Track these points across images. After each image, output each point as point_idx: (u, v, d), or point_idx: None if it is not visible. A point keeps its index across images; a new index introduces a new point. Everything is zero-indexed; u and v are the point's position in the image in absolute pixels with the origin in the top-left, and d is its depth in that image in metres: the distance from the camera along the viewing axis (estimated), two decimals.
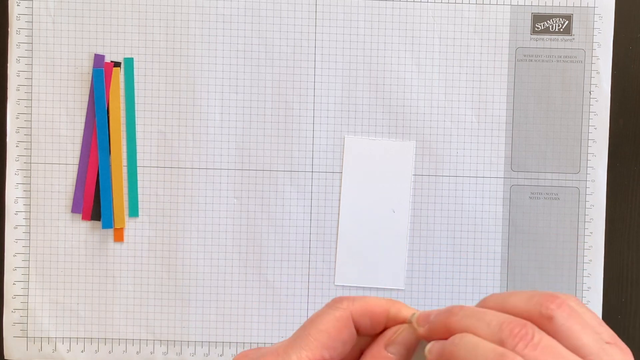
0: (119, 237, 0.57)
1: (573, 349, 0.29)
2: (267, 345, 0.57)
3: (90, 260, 0.57)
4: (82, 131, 0.57)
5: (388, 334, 0.33)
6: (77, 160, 0.57)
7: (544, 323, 0.29)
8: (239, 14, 0.56)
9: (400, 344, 0.32)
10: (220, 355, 0.57)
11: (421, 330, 0.32)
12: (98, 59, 0.56)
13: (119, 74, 0.57)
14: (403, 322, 0.33)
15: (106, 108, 0.56)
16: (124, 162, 0.57)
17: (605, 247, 0.57)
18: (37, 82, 0.56)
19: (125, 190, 0.57)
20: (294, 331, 0.57)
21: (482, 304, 0.32)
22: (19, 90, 0.56)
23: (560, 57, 0.57)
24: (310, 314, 0.57)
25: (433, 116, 0.57)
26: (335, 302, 0.33)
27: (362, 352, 0.34)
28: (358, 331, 0.33)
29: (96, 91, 0.56)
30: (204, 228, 0.57)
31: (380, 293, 0.57)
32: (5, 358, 0.56)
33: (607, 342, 0.29)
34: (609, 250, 0.57)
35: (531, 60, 0.57)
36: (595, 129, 0.57)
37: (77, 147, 0.57)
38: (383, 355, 0.32)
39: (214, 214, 0.57)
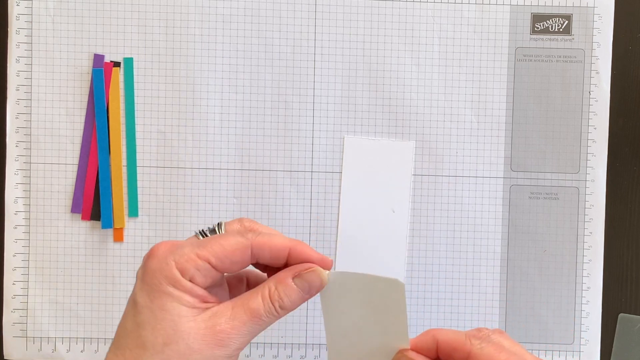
0: (118, 237, 0.57)
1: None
2: (266, 345, 0.57)
3: (90, 260, 0.57)
4: (82, 131, 0.57)
5: (299, 267, 0.39)
6: (76, 160, 0.57)
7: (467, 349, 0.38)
8: (239, 14, 0.56)
9: (307, 281, 0.39)
10: None
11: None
12: (98, 58, 0.56)
13: (119, 74, 0.57)
14: (306, 261, 0.39)
15: (106, 108, 0.56)
16: (124, 162, 0.57)
17: (605, 247, 0.57)
18: (37, 82, 0.56)
19: (124, 190, 0.57)
20: (294, 331, 0.58)
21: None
22: (18, 90, 0.56)
23: (560, 57, 0.57)
24: (309, 313, 0.57)
25: (433, 116, 0.57)
26: (245, 230, 0.39)
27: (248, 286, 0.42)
28: (258, 259, 0.39)
29: (96, 91, 0.56)
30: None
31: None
32: (5, 358, 0.56)
33: None
34: (609, 250, 0.57)
35: (531, 60, 0.57)
36: (595, 129, 0.57)
37: (77, 147, 0.57)
38: (288, 283, 0.38)
39: (213, 214, 0.57)
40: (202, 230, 0.40)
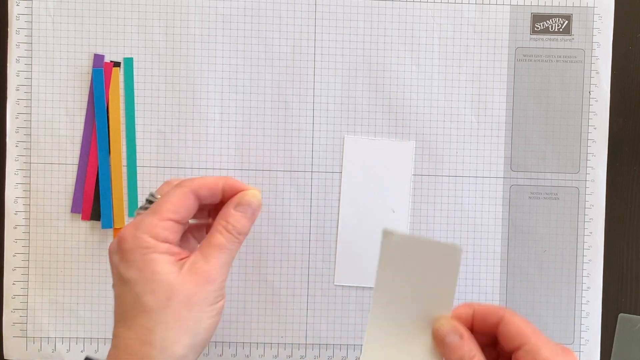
0: None
1: None
2: (266, 345, 0.57)
3: (90, 260, 0.57)
4: (82, 131, 0.57)
5: (234, 198, 0.46)
6: (76, 160, 0.57)
7: None
8: (239, 14, 0.56)
9: (246, 204, 0.45)
10: (220, 355, 0.57)
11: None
12: (98, 58, 0.56)
13: (119, 74, 0.57)
14: (238, 191, 0.46)
15: (106, 108, 0.56)
16: (124, 162, 0.57)
17: (605, 247, 0.57)
18: (37, 82, 0.56)
19: (125, 190, 0.57)
20: (294, 331, 0.58)
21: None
22: (18, 90, 0.56)
23: (560, 57, 0.57)
24: (310, 314, 0.57)
25: (433, 116, 0.57)
26: (179, 183, 0.45)
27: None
28: (201, 200, 0.45)
29: (96, 91, 0.56)
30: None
31: None
32: (5, 358, 0.56)
33: None
34: (609, 250, 0.58)
35: (531, 60, 0.57)
36: (595, 129, 0.57)
37: (77, 147, 0.57)
38: (232, 214, 0.45)
39: None
40: (141, 207, 0.45)
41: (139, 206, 0.45)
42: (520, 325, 0.43)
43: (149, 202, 0.45)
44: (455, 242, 0.41)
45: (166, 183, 0.47)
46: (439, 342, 0.43)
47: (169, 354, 0.41)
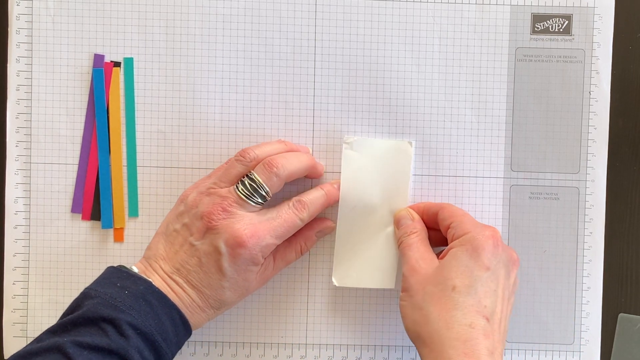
0: (118, 237, 0.57)
1: None
2: (266, 345, 0.57)
3: (90, 260, 0.57)
4: (82, 131, 0.57)
5: (319, 225, 0.56)
6: (77, 160, 0.57)
7: None
8: (239, 14, 0.56)
9: (327, 233, 0.57)
10: (220, 355, 0.57)
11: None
12: (98, 58, 0.56)
13: (119, 74, 0.57)
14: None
15: (106, 108, 0.56)
16: (124, 162, 0.57)
17: (605, 247, 0.57)
18: (37, 82, 0.56)
19: (125, 190, 0.57)
20: (294, 331, 0.58)
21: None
22: (18, 90, 0.56)
23: (560, 57, 0.57)
24: (310, 314, 0.57)
25: (433, 116, 0.57)
26: (295, 205, 0.52)
27: None
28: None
29: (96, 91, 0.56)
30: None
31: (380, 292, 0.57)
32: (5, 358, 0.56)
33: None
34: (609, 250, 0.57)
35: (531, 61, 0.57)
36: (595, 129, 0.57)
37: (77, 147, 0.57)
38: (313, 239, 0.56)
39: None
40: (255, 201, 0.50)
41: (253, 199, 0.50)
42: (453, 209, 0.53)
43: (262, 197, 0.50)
44: (408, 140, 0.55)
45: (275, 176, 0.51)
46: (396, 224, 0.55)
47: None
